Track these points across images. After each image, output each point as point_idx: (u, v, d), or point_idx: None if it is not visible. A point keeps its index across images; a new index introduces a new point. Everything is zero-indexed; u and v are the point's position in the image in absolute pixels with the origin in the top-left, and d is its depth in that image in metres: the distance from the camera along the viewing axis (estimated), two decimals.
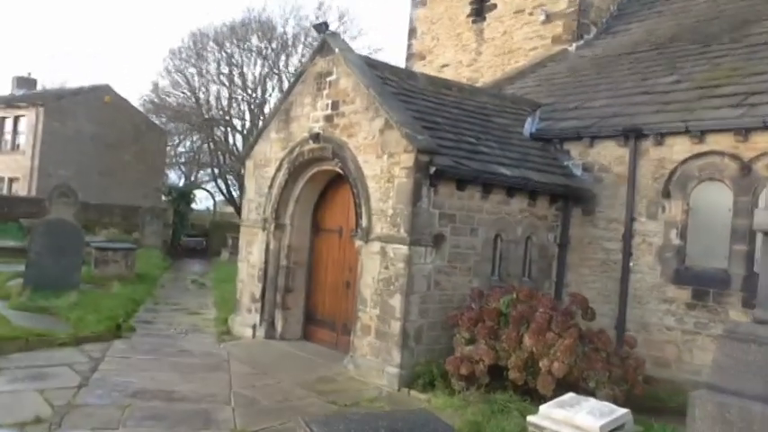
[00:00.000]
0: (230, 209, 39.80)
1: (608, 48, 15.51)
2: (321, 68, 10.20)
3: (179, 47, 35.50)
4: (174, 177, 41.23)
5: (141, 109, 35.49)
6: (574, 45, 16.48)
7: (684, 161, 9.43)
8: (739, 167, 8.79)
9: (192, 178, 41.70)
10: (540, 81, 14.75)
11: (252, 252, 11.44)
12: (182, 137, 38.17)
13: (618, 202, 10.18)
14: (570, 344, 7.45)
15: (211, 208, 45.63)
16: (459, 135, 9.64)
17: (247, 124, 34.34)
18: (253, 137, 11.90)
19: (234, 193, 36.88)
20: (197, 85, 35.20)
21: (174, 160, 38.33)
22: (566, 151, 10.96)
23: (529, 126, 11.58)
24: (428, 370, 8.34)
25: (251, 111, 33.72)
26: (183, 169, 41.82)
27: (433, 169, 8.46)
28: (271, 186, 11.05)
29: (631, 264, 9.92)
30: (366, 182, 9.16)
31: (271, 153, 11.19)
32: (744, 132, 8.76)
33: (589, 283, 10.41)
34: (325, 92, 10.09)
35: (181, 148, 39.43)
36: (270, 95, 34.22)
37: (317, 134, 10.03)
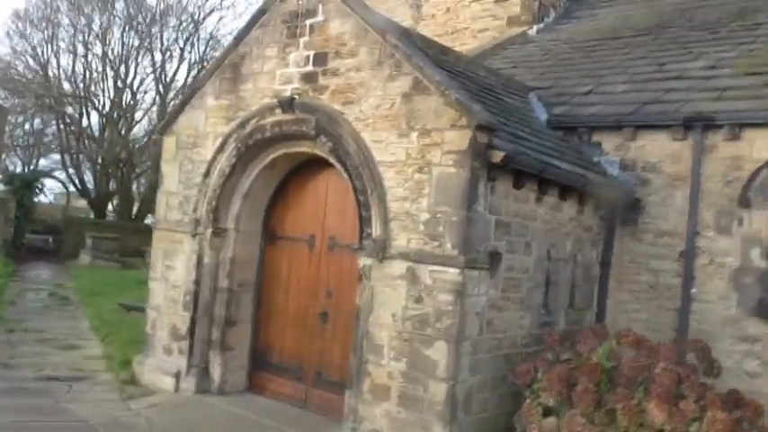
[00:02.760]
0: (82, 202, 34.35)
1: (577, 33, 13.53)
2: (296, 6, 7.09)
3: (26, 8, 29.77)
4: (9, 164, 34.90)
5: None
6: (534, 28, 14.38)
7: None
8: None
9: (32, 166, 35.59)
10: (513, 63, 12.41)
11: (174, 267, 8.03)
12: (20, 117, 32.21)
13: (672, 210, 7.97)
14: (726, 419, 5.00)
15: (53, 201, 39.45)
16: (490, 113, 6.95)
17: (108, 103, 29.39)
18: (176, 102, 8.49)
19: (88, 185, 31.63)
20: (46, 54, 29.71)
21: (13, 143, 32.21)
22: (595, 144, 8.60)
23: (539, 111, 9.15)
24: None
25: (115, 87, 28.85)
26: (21, 155, 35.54)
27: (499, 156, 5.70)
28: (207, 174, 7.73)
29: (694, 290, 7.75)
30: (379, 171, 6.22)
31: (206, 126, 7.86)
32: None
33: (631, 313, 8.11)
34: (303, 39, 6.99)
35: (19, 130, 33.29)
36: (137, 70, 29.59)
37: (291, 100, 6.92)
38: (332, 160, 6.82)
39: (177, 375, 7.73)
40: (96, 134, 29.78)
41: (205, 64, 30.40)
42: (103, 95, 29.27)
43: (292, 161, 7.57)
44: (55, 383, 7.91)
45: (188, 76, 30.09)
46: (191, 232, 7.80)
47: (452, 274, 5.67)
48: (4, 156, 31.87)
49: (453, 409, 5.65)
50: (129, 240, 25.11)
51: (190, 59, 30.16)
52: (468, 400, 5.83)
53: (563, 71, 11.05)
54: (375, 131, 6.30)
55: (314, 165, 7.51)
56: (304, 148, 7.13)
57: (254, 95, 7.39)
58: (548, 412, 5.57)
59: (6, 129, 29.98)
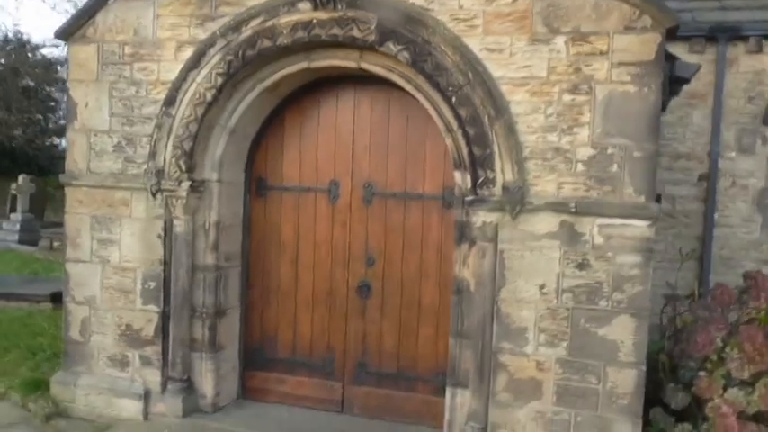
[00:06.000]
0: None
1: None
2: None
3: None
4: None
5: None
6: None
7: None
8: None
9: None
10: None
11: (116, 241, 5.40)
12: None
13: (689, 130, 7.40)
14: None
15: None
16: None
17: None
18: None
19: None
20: None
21: None
22: None
23: None
24: None
25: None
26: None
27: (693, 68, 4.36)
28: (170, 102, 5.17)
29: (716, 215, 7.33)
30: (501, 91, 4.48)
31: (158, 30, 5.22)
32: None
33: None
34: None
35: None
36: None
37: None
38: (394, 79, 4.84)
39: (146, 396, 5.33)
40: None
41: None
42: None
43: (305, 80, 5.37)
44: None
45: None
46: (148, 188, 5.25)
47: (639, 227, 4.29)
48: None
49: (637, 402, 4.40)
50: None
51: None
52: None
53: None
54: (489, 36, 4.49)
55: (326, 84, 5.44)
56: (341, 60, 4.99)
57: None
58: (727, 383, 4.61)
59: None
